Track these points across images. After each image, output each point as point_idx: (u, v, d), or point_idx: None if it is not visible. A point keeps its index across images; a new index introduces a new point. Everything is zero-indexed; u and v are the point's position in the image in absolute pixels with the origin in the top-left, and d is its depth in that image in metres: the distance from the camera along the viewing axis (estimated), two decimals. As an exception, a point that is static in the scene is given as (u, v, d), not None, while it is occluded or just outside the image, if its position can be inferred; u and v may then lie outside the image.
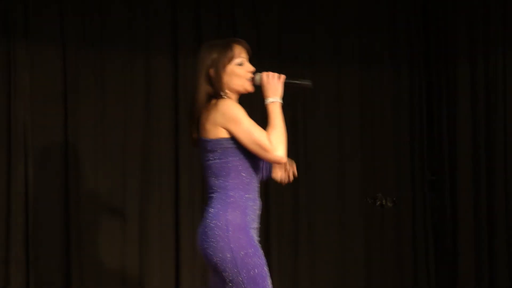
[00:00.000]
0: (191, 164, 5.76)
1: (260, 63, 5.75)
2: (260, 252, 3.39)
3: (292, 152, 5.87)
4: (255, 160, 3.46)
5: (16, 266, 5.28)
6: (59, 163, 5.45)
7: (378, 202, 6.10)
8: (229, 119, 3.41)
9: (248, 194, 3.45)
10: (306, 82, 3.56)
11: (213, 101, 3.46)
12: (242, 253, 3.37)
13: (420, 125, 6.44)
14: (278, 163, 3.44)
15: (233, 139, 3.43)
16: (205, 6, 5.86)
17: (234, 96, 3.55)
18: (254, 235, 3.44)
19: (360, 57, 6.33)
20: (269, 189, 5.87)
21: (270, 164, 3.68)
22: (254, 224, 3.46)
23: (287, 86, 3.49)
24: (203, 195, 5.77)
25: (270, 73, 3.52)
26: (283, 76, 3.50)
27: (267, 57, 5.86)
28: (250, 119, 3.39)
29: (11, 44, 5.33)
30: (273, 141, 3.38)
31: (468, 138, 6.21)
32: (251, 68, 3.55)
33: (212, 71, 3.51)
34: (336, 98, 6.24)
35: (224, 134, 3.43)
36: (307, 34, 6.16)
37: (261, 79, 3.50)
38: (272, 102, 3.47)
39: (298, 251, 6.06)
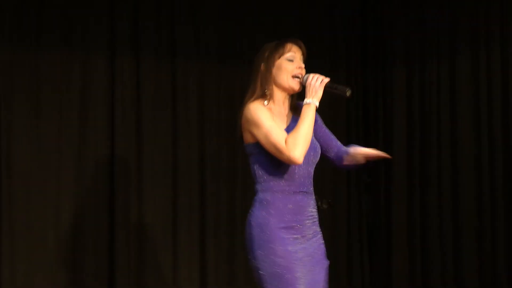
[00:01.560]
0: (127, 166, 5.74)
1: (199, 63, 5.90)
2: (287, 251, 3.42)
3: (229, 156, 5.95)
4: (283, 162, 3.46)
5: None
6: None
7: (314, 204, 6.14)
8: (251, 123, 3.45)
9: (281, 194, 3.47)
10: (346, 90, 3.56)
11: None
12: (263, 250, 3.44)
13: (356, 128, 6.51)
14: (293, 163, 3.43)
15: (259, 143, 3.48)
16: (143, 6, 5.84)
17: (281, 96, 3.57)
18: (285, 234, 3.45)
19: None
20: (205, 190, 5.92)
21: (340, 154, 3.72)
22: (286, 223, 3.46)
23: (327, 90, 3.52)
24: (138, 199, 5.78)
25: (315, 75, 3.54)
26: (326, 80, 3.53)
27: (204, 57, 5.89)
28: (272, 121, 3.41)
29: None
30: (289, 143, 3.39)
31: (403, 141, 6.30)
32: (301, 65, 3.58)
33: (263, 66, 3.55)
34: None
35: (252, 139, 3.49)
36: (246, 36, 6.16)
37: (306, 79, 3.52)
38: (308, 103, 3.49)
39: (234, 252, 6.08)
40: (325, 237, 6.22)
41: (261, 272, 3.45)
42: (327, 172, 6.39)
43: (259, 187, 3.51)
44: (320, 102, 6.33)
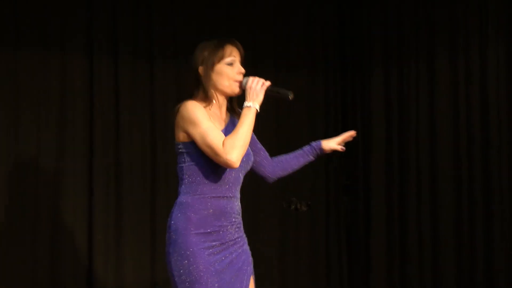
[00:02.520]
0: (105, 166, 5.71)
1: (175, 63, 5.87)
2: (202, 260, 3.34)
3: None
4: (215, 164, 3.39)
5: None
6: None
7: (293, 206, 6.14)
8: (188, 121, 3.36)
9: (203, 198, 3.39)
10: (288, 93, 3.52)
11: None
12: (177, 254, 3.36)
13: (335, 130, 6.50)
14: (230, 167, 3.36)
15: (193, 142, 3.39)
16: (121, 4, 5.81)
17: (220, 98, 3.49)
18: (203, 241, 3.36)
19: (275, 63, 6.36)
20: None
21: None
22: (205, 229, 3.37)
23: (268, 94, 3.46)
24: (116, 196, 5.74)
25: (256, 78, 3.47)
26: (267, 83, 3.47)
27: (183, 58, 5.85)
28: (210, 122, 3.34)
29: None
30: (227, 145, 3.32)
31: (381, 144, 6.31)
32: (241, 69, 3.50)
33: (201, 69, 3.47)
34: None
35: (185, 138, 3.40)
36: (223, 37, 6.15)
37: (246, 82, 3.45)
38: (248, 107, 3.42)
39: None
40: (303, 239, 6.30)
41: (175, 278, 3.37)
42: (305, 174, 6.39)
43: (182, 189, 3.44)
44: (299, 107, 6.39)
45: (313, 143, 3.82)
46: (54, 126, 5.60)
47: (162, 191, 5.84)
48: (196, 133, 3.35)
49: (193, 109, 3.37)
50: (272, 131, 6.32)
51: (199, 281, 3.32)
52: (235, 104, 3.56)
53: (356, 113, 6.49)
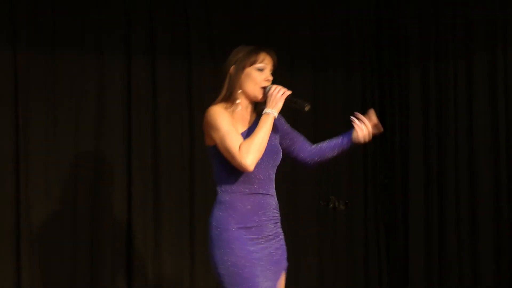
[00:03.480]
0: (144, 166, 5.74)
1: (213, 63, 5.88)
2: (246, 251, 3.49)
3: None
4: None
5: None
6: (10, 166, 5.38)
7: (331, 205, 6.14)
8: (210, 126, 3.54)
9: (239, 195, 3.56)
10: (305, 104, 3.67)
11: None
12: (222, 249, 3.52)
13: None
14: (244, 170, 3.51)
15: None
16: (158, 7, 5.84)
17: (244, 102, 3.65)
18: (244, 235, 3.53)
19: (313, 60, 6.36)
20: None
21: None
22: (245, 224, 3.54)
23: (287, 103, 3.61)
24: (154, 198, 5.77)
25: (278, 87, 3.61)
26: (287, 92, 3.62)
27: (220, 58, 5.84)
28: (230, 126, 3.49)
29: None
30: (243, 149, 3.47)
31: (419, 141, 6.28)
32: (269, 77, 3.65)
33: (232, 69, 3.62)
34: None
35: (212, 142, 3.59)
36: (260, 37, 6.17)
37: (268, 89, 3.60)
38: (267, 113, 3.57)
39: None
40: (342, 238, 6.29)
41: (221, 272, 3.53)
42: (343, 172, 6.39)
43: (219, 189, 3.60)
44: (336, 106, 6.39)
45: (346, 134, 4.00)
46: (92, 126, 5.64)
47: (200, 190, 5.86)
48: (217, 137, 3.52)
49: (215, 114, 3.54)
50: (309, 130, 6.29)
51: (246, 271, 3.48)
52: (261, 108, 3.67)
53: (394, 112, 6.46)
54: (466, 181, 5.98)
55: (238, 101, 3.63)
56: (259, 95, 3.63)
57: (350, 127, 6.33)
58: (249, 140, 3.50)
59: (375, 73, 6.54)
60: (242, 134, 3.59)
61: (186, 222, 5.87)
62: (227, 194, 3.57)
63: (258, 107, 3.68)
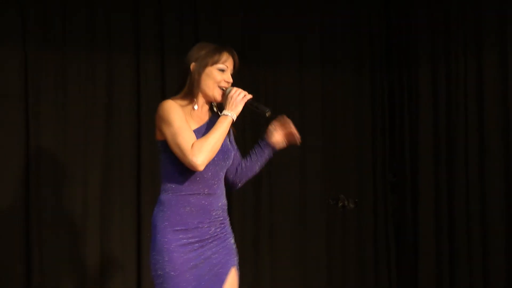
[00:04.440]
0: (153, 164, 5.74)
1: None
2: (177, 257, 3.45)
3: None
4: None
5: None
6: (21, 164, 5.39)
7: (340, 203, 6.11)
8: (162, 120, 3.49)
9: (180, 196, 3.51)
10: (266, 110, 3.60)
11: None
12: (154, 251, 3.50)
13: (381, 127, 6.48)
14: (194, 169, 3.44)
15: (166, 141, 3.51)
16: (166, 4, 5.84)
17: (201, 100, 3.60)
18: (179, 238, 3.47)
19: (322, 59, 6.35)
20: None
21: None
22: (183, 226, 3.49)
23: (248, 107, 3.57)
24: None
25: (239, 90, 3.56)
26: (248, 96, 3.56)
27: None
28: (183, 122, 3.45)
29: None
30: (195, 147, 3.41)
31: (429, 140, 6.26)
32: (229, 79, 3.59)
33: (193, 66, 3.55)
34: (298, 100, 6.25)
35: (162, 136, 3.53)
36: (270, 35, 6.17)
37: (229, 91, 3.55)
38: (225, 115, 3.51)
39: (259, 251, 6.05)
40: (351, 237, 6.28)
41: (152, 273, 3.49)
42: (352, 171, 6.38)
43: (162, 187, 3.56)
44: (345, 103, 6.39)
45: (260, 142, 3.82)
46: (102, 125, 5.64)
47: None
48: (168, 133, 3.46)
49: (169, 109, 3.48)
50: (318, 128, 6.31)
51: (175, 276, 3.44)
52: (217, 108, 3.64)
53: (403, 110, 6.44)
54: (476, 179, 5.96)
55: (194, 100, 3.58)
56: (218, 96, 3.58)
57: (359, 124, 6.40)
58: (203, 139, 3.44)
59: (385, 71, 6.52)
60: (198, 128, 3.54)
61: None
62: (169, 193, 3.52)
63: (219, 107, 3.63)
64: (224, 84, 3.58)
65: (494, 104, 5.86)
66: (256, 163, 3.78)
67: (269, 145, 3.79)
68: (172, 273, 3.44)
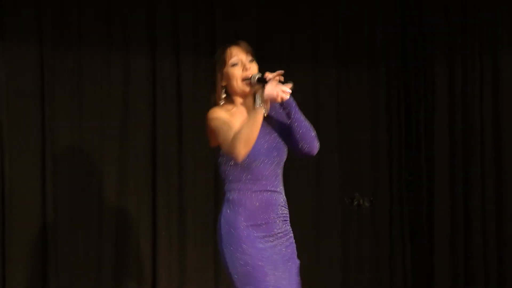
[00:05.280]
0: (168, 164, 5.75)
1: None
2: (255, 249, 3.48)
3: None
4: (250, 163, 3.53)
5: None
6: (36, 163, 5.41)
7: (356, 202, 6.12)
8: (211, 127, 3.56)
9: (247, 193, 3.54)
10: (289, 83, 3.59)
11: None
12: (232, 248, 3.50)
13: (397, 126, 6.46)
14: (235, 161, 3.48)
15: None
16: (182, 3, 5.85)
17: (238, 100, 3.65)
18: (253, 232, 3.51)
19: (337, 57, 6.34)
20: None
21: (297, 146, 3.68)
22: (255, 221, 3.52)
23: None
24: (179, 196, 5.77)
25: (276, 81, 3.54)
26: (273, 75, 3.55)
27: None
28: (224, 120, 3.51)
29: (-13, 43, 5.32)
30: (232, 140, 3.44)
31: (445, 139, 6.24)
32: (247, 66, 3.60)
33: (218, 76, 3.65)
34: (314, 98, 6.24)
35: (215, 143, 3.60)
36: (285, 33, 6.17)
37: (254, 78, 3.54)
38: (259, 107, 3.49)
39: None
40: (366, 236, 6.26)
41: (231, 271, 3.50)
42: (368, 170, 6.37)
43: (226, 188, 3.59)
44: (361, 101, 6.35)
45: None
46: (117, 124, 5.66)
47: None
48: (216, 136, 3.55)
49: (212, 115, 3.55)
50: (334, 127, 6.30)
51: (256, 270, 3.46)
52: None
53: (419, 109, 6.42)
54: (493, 179, 5.94)
55: (232, 102, 3.63)
56: (245, 88, 3.59)
57: (375, 123, 6.38)
58: (236, 132, 3.47)
59: (401, 70, 6.50)
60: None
61: (211, 228, 5.86)
62: (235, 192, 3.56)
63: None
64: (244, 74, 3.59)
65: (511, 102, 5.84)
66: (295, 125, 3.66)
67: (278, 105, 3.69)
68: (255, 266, 3.46)
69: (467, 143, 6.12)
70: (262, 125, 3.53)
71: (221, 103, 3.63)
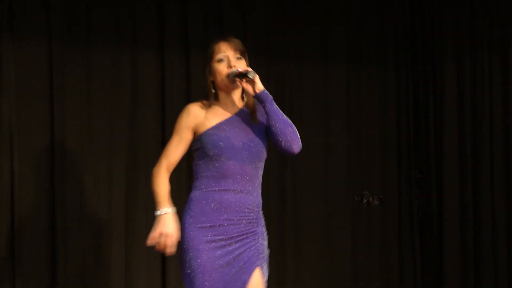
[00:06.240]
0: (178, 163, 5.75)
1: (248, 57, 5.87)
2: (201, 254, 3.44)
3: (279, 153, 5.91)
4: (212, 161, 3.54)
5: (1, 264, 5.25)
6: (46, 161, 5.41)
7: (365, 200, 6.11)
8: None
9: (206, 193, 3.52)
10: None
11: None
12: (180, 249, 3.50)
13: (406, 123, 6.45)
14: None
15: (195, 140, 3.61)
16: (191, 2, 5.85)
17: (223, 95, 3.61)
18: (203, 235, 3.47)
19: (346, 55, 6.33)
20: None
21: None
22: (206, 223, 3.48)
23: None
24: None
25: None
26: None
27: (254, 54, 5.82)
28: (178, 130, 3.62)
29: (-4, 41, 5.32)
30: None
31: (454, 136, 6.23)
32: (232, 64, 3.56)
33: (207, 71, 3.64)
34: (323, 96, 6.24)
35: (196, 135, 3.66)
36: (294, 32, 6.16)
37: (232, 73, 3.53)
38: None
39: (284, 249, 6.05)
40: (375, 234, 6.25)
41: (181, 272, 3.49)
42: (377, 168, 6.35)
43: (193, 184, 3.60)
44: (370, 99, 6.34)
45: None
46: (126, 120, 5.65)
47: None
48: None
49: (179, 117, 3.65)
50: (343, 125, 6.29)
51: (201, 274, 3.43)
52: (250, 98, 3.63)
53: (428, 106, 6.40)
54: (502, 176, 5.93)
55: (218, 98, 3.63)
56: (228, 83, 3.56)
57: (384, 120, 6.37)
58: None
59: (410, 67, 6.48)
60: (219, 124, 3.54)
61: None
62: (196, 190, 3.55)
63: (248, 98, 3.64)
64: (227, 71, 3.55)
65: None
66: (270, 118, 3.58)
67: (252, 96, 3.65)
68: (199, 270, 3.43)
69: (476, 141, 6.11)
70: (239, 123, 3.55)
71: (211, 98, 3.62)
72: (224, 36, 3.65)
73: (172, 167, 3.65)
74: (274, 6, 6.09)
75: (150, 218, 5.57)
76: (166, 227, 3.47)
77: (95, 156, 5.54)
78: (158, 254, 5.65)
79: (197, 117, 3.59)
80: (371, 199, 6.06)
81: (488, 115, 6.03)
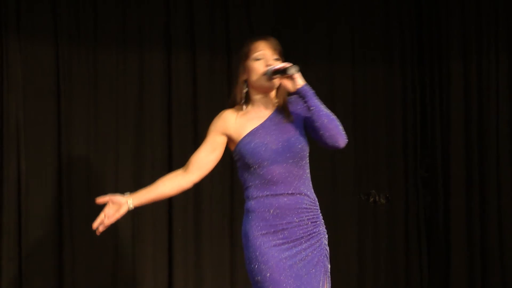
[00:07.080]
0: (184, 162, 5.73)
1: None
2: (271, 258, 3.36)
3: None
4: (252, 167, 3.45)
5: (8, 262, 5.27)
6: (52, 159, 5.43)
7: (371, 199, 6.11)
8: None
9: (261, 200, 3.43)
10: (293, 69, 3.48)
11: None
12: (248, 259, 3.42)
13: (413, 122, 6.44)
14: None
15: (234, 150, 3.51)
16: (198, 0, 5.85)
17: (257, 96, 3.50)
18: (269, 240, 3.39)
19: (352, 54, 6.33)
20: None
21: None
22: (270, 229, 3.40)
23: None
24: (196, 196, 5.76)
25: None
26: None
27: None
28: (209, 136, 3.54)
29: (3, 40, 5.30)
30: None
31: (461, 135, 6.22)
32: (270, 63, 3.45)
33: (241, 72, 3.52)
34: (329, 95, 6.23)
35: (231, 147, 3.60)
36: (301, 30, 6.16)
37: (270, 71, 3.41)
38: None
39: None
40: (382, 233, 6.25)
41: (251, 281, 3.40)
42: (383, 167, 6.35)
43: (244, 194, 3.50)
44: (376, 99, 6.34)
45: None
46: (133, 120, 5.66)
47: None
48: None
49: (212, 123, 3.55)
50: (350, 124, 6.28)
51: (273, 278, 3.34)
52: (285, 98, 3.54)
53: (435, 106, 6.40)
54: (509, 175, 5.93)
55: (251, 100, 3.51)
56: (264, 82, 3.45)
57: (391, 120, 6.36)
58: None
59: (416, 67, 6.48)
60: (253, 129, 3.45)
61: (226, 230, 5.85)
62: (249, 200, 3.45)
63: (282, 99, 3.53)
64: (265, 70, 3.45)
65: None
66: (313, 113, 3.52)
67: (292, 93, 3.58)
68: (268, 274, 3.34)
69: (483, 139, 6.10)
70: (275, 125, 3.45)
71: (241, 102, 3.51)
72: (261, 36, 3.55)
73: (191, 167, 3.59)
74: (280, 5, 6.10)
75: (157, 219, 5.66)
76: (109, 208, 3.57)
77: (102, 155, 5.55)
78: (165, 255, 5.67)
79: (227, 121, 3.50)
80: (377, 198, 6.06)
81: (495, 113, 6.03)
